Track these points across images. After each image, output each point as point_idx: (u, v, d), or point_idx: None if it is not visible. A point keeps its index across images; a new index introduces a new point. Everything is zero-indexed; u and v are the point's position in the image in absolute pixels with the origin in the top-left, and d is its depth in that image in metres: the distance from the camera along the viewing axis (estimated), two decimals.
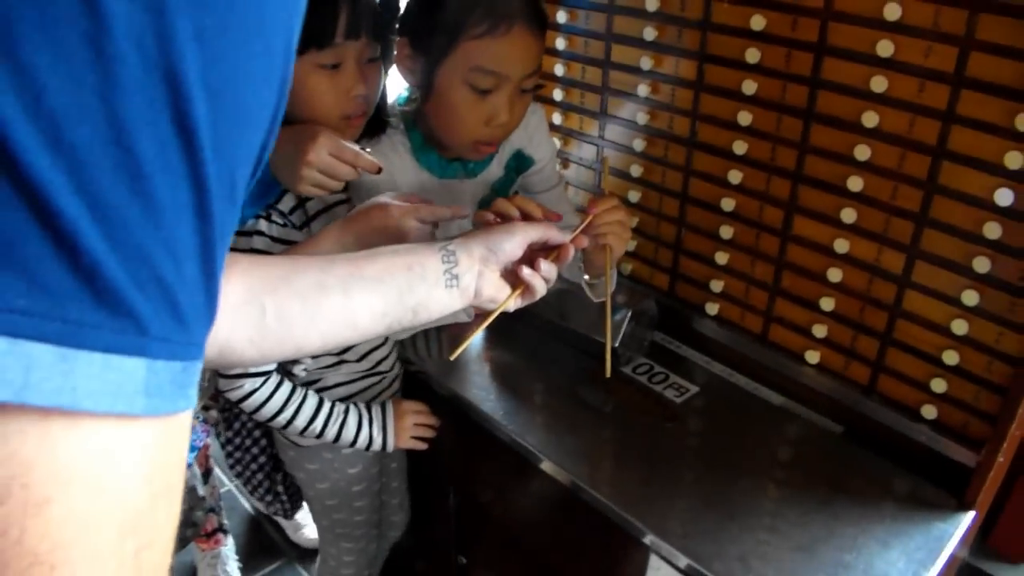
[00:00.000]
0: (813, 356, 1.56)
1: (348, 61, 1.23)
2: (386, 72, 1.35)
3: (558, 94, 1.84)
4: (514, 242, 1.07)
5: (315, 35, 1.17)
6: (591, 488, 1.37)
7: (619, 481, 1.40)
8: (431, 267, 0.99)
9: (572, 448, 1.46)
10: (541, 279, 1.07)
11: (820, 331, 1.53)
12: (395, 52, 1.36)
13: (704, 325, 1.72)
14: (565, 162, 1.90)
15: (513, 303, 1.08)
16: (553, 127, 1.88)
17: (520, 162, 1.59)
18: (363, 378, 1.57)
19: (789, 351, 1.60)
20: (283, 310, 0.88)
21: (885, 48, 1.28)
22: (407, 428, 1.59)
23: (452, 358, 1.22)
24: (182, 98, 0.33)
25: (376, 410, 1.56)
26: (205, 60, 0.33)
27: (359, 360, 1.54)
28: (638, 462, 1.44)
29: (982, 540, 2.35)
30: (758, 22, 1.42)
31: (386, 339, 1.59)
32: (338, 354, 1.51)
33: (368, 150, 1.22)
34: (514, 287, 1.07)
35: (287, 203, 1.33)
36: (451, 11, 1.27)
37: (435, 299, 0.99)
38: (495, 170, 1.58)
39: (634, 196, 1.76)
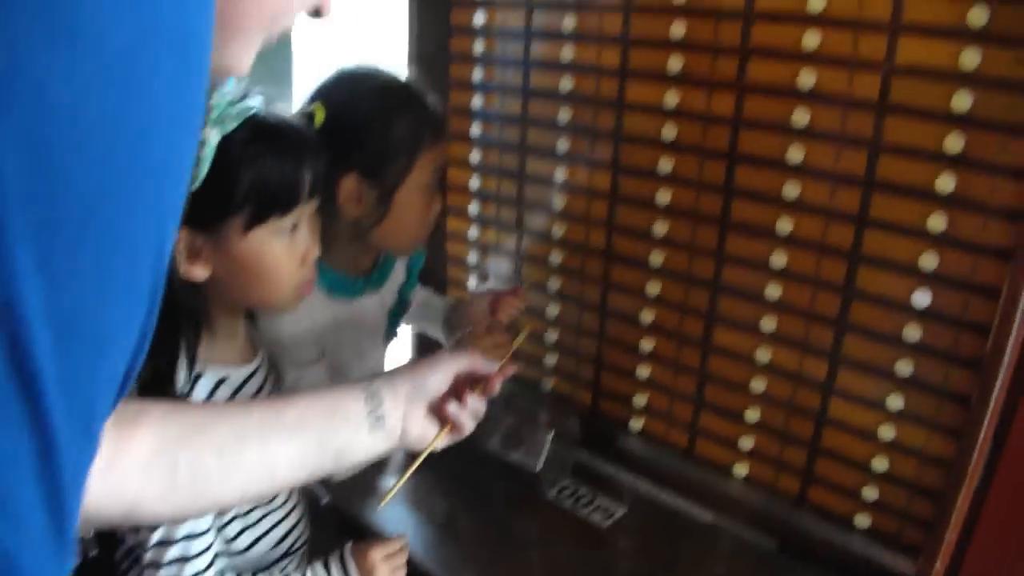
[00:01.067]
0: (741, 469, 1.52)
1: (303, 221, 1.16)
2: None
3: (474, 208, 1.82)
4: (439, 377, 1.03)
5: (281, 200, 1.10)
6: None
7: None
8: (354, 410, 0.94)
9: None
10: (469, 414, 1.03)
11: (747, 443, 1.50)
12: (340, 191, 1.37)
13: (629, 442, 1.68)
14: (485, 275, 1.86)
15: (442, 442, 1.03)
16: (469, 241, 1.85)
17: (415, 261, 1.63)
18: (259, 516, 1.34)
19: (717, 465, 1.56)
20: (198, 464, 0.82)
21: (796, 155, 1.29)
22: None
23: (381, 506, 1.14)
24: (20, 336, 0.29)
25: (336, 568, 1.26)
26: (50, 290, 0.30)
27: None
28: None
29: None
30: (669, 131, 1.43)
31: None
32: None
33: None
34: (442, 424, 1.03)
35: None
36: (408, 133, 1.36)
37: (359, 443, 0.95)
38: (400, 274, 1.61)
39: (553, 311, 1.73)
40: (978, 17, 1.10)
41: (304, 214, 1.15)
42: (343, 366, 1.52)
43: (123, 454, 0.76)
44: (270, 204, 1.08)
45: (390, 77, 1.43)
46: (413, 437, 1.00)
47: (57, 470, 0.32)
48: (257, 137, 1.06)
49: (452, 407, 1.01)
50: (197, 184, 0.96)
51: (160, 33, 0.34)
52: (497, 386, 1.08)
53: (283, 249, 1.13)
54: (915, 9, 1.16)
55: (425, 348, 1.98)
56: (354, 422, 0.94)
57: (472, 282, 1.87)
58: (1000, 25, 1.09)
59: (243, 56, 0.62)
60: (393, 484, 1.07)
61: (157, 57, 0.34)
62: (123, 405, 0.46)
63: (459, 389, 1.05)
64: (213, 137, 0.97)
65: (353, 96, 1.39)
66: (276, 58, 2.37)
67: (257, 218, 1.08)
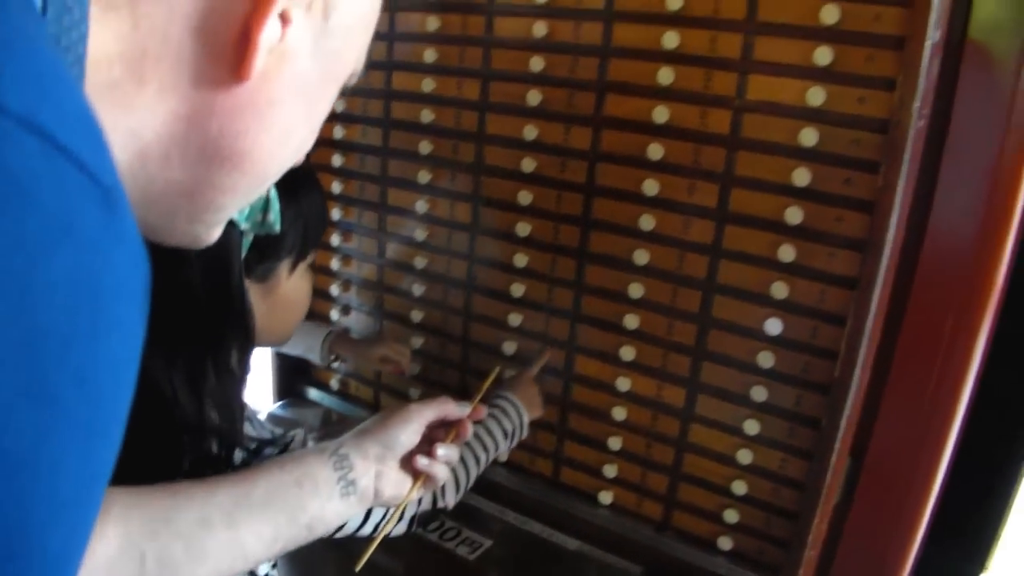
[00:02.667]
0: (606, 496, 1.53)
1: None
2: None
3: (335, 239, 1.78)
4: (409, 431, 1.00)
5: (315, 240, 1.10)
6: None
7: None
8: (323, 478, 0.91)
9: None
10: (442, 465, 1.01)
11: (611, 471, 1.51)
12: None
13: (495, 472, 1.67)
14: (346, 308, 1.83)
15: (416, 494, 1.01)
16: (331, 272, 1.83)
17: None
18: None
19: (582, 493, 1.57)
20: (165, 555, 0.78)
21: (651, 187, 1.32)
22: None
23: (358, 568, 1.10)
24: None
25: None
26: None
27: None
28: None
29: None
30: (529, 164, 1.44)
31: None
32: None
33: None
34: (415, 478, 1.00)
35: None
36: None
37: (331, 511, 0.92)
38: None
39: (416, 343, 1.71)
40: (823, 57, 1.14)
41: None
42: None
43: (88, 554, 0.72)
44: (314, 240, 1.06)
45: None
46: (387, 496, 0.98)
47: None
48: (295, 179, 1.01)
49: (423, 462, 0.99)
50: (275, 229, 0.96)
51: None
52: (469, 430, 1.06)
53: (307, 282, 1.14)
54: (764, 48, 1.20)
55: (286, 370, 1.94)
56: (324, 491, 0.91)
57: (335, 314, 1.84)
58: (843, 65, 1.14)
59: (215, 229, 0.62)
60: (368, 542, 1.04)
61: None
62: None
63: (431, 437, 1.03)
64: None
65: None
66: None
67: (302, 256, 1.06)
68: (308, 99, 0.59)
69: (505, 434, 1.40)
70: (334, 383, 1.92)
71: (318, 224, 1.09)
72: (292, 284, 1.06)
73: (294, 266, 1.06)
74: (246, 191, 0.60)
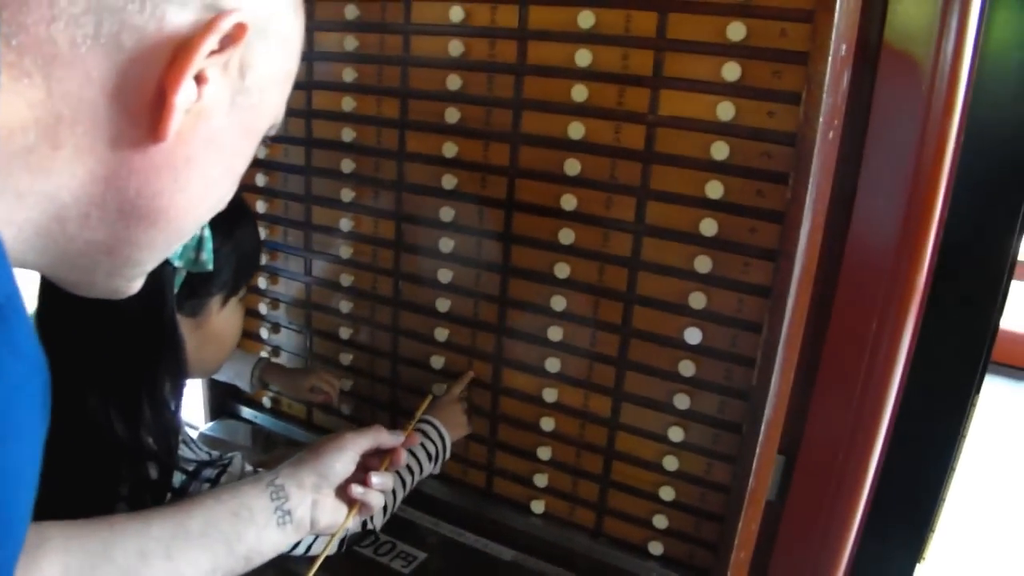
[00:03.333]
0: (539, 506, 1.55)
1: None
2: None
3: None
4: (345, 460, 1.02)
5: (247, 276, 1.11)
6: None
7: None
8: (259, 508, 0.92)
9: None
10: (376, 493, 1.03)
11: (542, 480, 1.52)
12: None
13: (428, 485, 1.67)
14: (276, 327, 1.82)
15: (353, 522, 1.04)
16: (259, 292, 1.82)
17: None
18: None
19: (515, 503, 1.58)
20: None
21: (569, 202, 1.33)
22: None
23: None
24: None
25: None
26: None
27: None
28: None
29: None
30: (447, 214, 1.46)
31: None
32: None
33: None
34: (350, 506, 1.02)
35: None
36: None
37: (267, 541, 0.93)
38: None
39: (345, 359, 1.71)
40: (731, 72, 1.16)
41: None
42: None
43: None
44: (246, 276, 1.06)
45: None
46: (323, 524, 1.00)
47: None
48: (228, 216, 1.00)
49: (358, 490, 1.01)
50: (208, 267, 0.97)
51: None
52: (403, 458, 1.09)
53: (240, 314, 1.14)
54: (674, 65, 1.22)
55: (218, 389, 1.93)
56: (261, 520, 0.92)
57: (264, 332, 1.83)
58: (752, 80, 1.17)
59: (136, 282, 0.63)
60: (309, 568, 1.04)
61: None
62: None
63: (366, 465, 1.05)
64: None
65: None
66: None
67: (234, 291, 1.06)
68: (226, 155, 0.59)
69: (429, 457, 1.41)
70: (266, 401, 1.90)
71: (251, 261, 1.10)
72: (223, 318, 1.06)
73: (225, 301, 1.06)
74: (164, 246, 0.60)
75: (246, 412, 1.93)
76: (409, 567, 1.52)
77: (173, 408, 1.00)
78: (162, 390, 0.97)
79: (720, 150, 1.20)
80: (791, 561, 2.30)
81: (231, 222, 1.01)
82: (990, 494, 3.59)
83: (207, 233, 0.94)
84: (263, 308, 1.81)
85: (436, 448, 1.41)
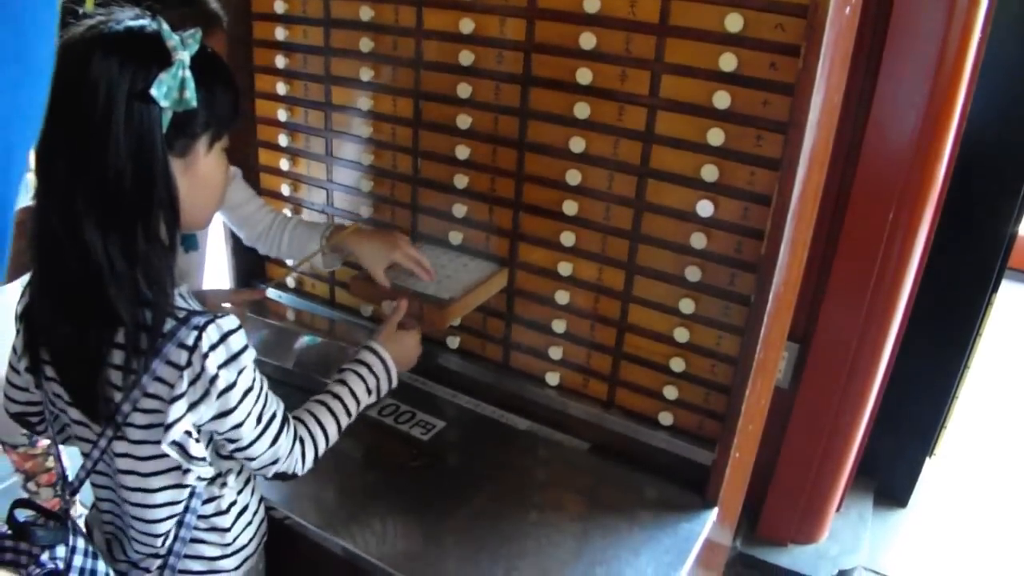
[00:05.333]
0: (553, 378, 1.59)
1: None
2: None
3: (283, 139, 1.80)
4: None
5: (227, 119, 1.09)
6: (362, 552, 1.32)
7: (366, 529, 1.36)
8: None
9: (316, 503, 1.41)
10: None
11: (556, 353, 1.56)
12: None
13: (447, 359, 1.73)
14: (297, 207, 1.85)
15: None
16: (281, 172, 1.85)
17: None
18: None
19: (530, 375, 1.63)
20: None
21: (584, 75, 1.34)
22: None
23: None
24: None
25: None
26: None
27: None
28: (387, 505, 1.41)
29: (751, 529, 2.49)
30: (464, 90, 1.45)
31: None
32: None
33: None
34: None
35: None
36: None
37: None
38: None
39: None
40: (734, 23, 1.17)
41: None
42: None
43: None
44: (227, 118, 1.07)
45: None
46: None
47: None
48: (205, 63, 1.03)
49: None
50: (192, 104, 0.98)
51: None
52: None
53: (222, 168, 1.13)
54: (681, 16, 1.24)
55: (242, 273, 1.97)
56: None
57: (287, 212, 1.86)
58: (755, 30, 1.18)
59: None
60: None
61: None
62: None
63: None
64: (186, 57, 0.97)
65: None
66: None
67: (218, 135, 1.08)
68: None
69: (369, 391, 1.35)
70: (290, 281, 1.95)
71: (231, 102, 1.10)
72: (210, 163, 1.08)
73: (211, 144, 1.08)
74: None
75: (271, 293, 1.98)
76: (428, 434, 1.58)
77: (168, 250, 1.03)
78: (157, 227, 1.00)
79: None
80: (802, 448, 2.35)
81: (208, 68, 1.04)
82: (1003, 394, 3.61)
83: (188, 74, 0.96)
84: (285, 189, 1.84)
85: (377, 381, 1.35)
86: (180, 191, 1.03)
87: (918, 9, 1.68)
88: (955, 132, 1.96)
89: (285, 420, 1.16)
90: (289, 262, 1.77)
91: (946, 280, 2.42)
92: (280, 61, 1.72)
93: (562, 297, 1.51)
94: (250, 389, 1.06)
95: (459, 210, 1.57)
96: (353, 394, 1.31)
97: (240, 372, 1.04)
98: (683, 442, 1.48)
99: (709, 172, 1.28)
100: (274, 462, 1.16)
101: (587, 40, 1.32)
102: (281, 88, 1.75)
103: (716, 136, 1.26)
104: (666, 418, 1.49)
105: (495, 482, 1.47)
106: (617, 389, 1.53)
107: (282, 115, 1.77)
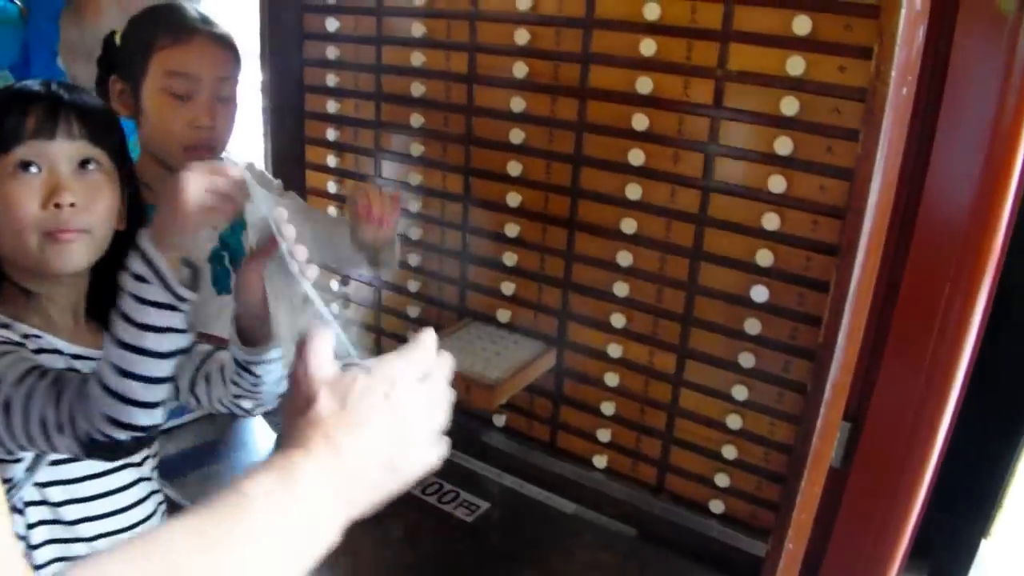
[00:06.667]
0: (601, 460, 1.56)
1: (49, 162, 1.09)
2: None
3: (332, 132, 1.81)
4: None
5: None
6: None
7: None
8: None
9: None
10: None
11: (604, 435, 1.53)
12: (110, 92, 1.49)
13: (492, 437, 1.70)
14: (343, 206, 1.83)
15: None
16: (329, 169, 1.84)
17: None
18: None
19: (577, 457, 1.60)
20: None
21: (636, 156, 1.33)
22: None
23: None
24: None
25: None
26: None
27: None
28: None
29: None
30: (515, 168, 1.49)
31: None
32: None
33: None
34: None
35: None
36: (142, 34, 1.45)
37: None
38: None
39: (414, 312, 1.73)
40: (802, 26, 1.14)
41: (50, 155, 1.08)
42: None
43: None
44: None
45: (168, 3, 1.53)
46: None
47: None
48: None
49: None
50: None
51: None
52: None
53: (16, 187, 1.06)
54: (744, 18, 1.21)
55: None
56: None
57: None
58: (823, 34, 1.15)
59: None
60: None
61: None
62: None
63: None
64: None
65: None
66: None
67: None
68: None
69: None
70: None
71: None
72: None
73: None
74: None
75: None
76: (472, 516, 1.55)
77: None
78: None
79: (790, 105, 1.18)
80: (854, 529, 2.27)
81: None
82: None
83: None
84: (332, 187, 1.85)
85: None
86: None
87: (972, 75, 1.66)
88: (1011, 205, 1.92)
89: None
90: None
91: (1003, 356, 2.35)
92: (331, 160, 1.74)
93: (611, 379, 1.48)
94: None
95: (507, 288, 1.56)
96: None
97: None
98: (734, 531, 1.43)
99: (763, 256, 1.26)
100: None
101: (639, 121, 1.31)
102: (331, 160, 1.76)
103: (771, 220, 1.24)
104: (717, 506, 1.45)
105: (540, 567, 1.43)
106: (667, 474, 1.50)
107: (332, 186, 1.78)
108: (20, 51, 1.71)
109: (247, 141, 1.52)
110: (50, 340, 1.13)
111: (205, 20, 1.50)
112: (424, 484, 1.62)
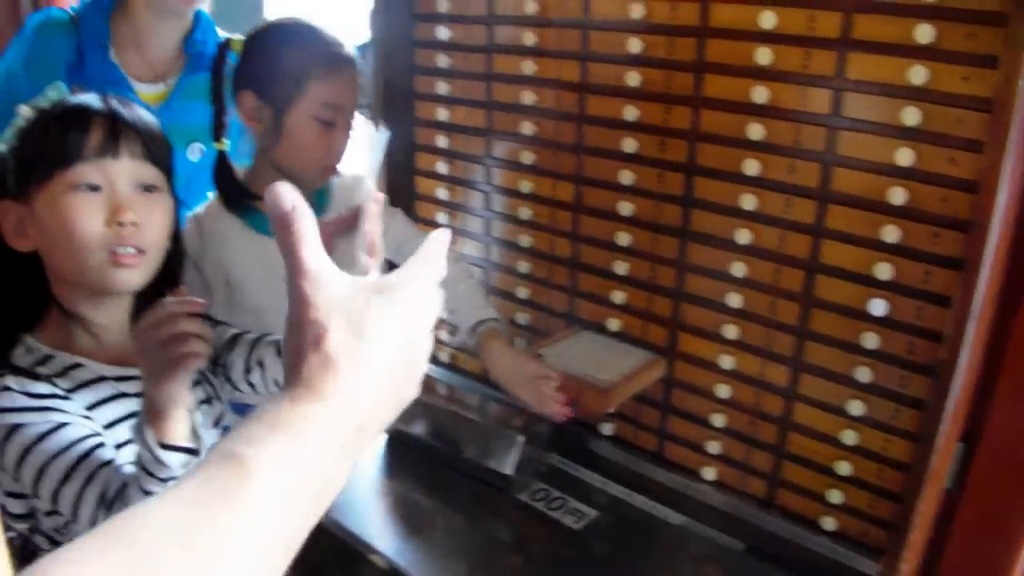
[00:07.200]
0: (710, 472, 1.54)
1: (112, 180, 1.11)
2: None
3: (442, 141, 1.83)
4: None
5: (50, 156, 1.09)
6: None
7: None
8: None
9: None
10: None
11: (714, 447, 1.52)
12: (240, 105, 1.53)
13: (599, 446, 1.70)
14: (454, 212, 1.87)
15: None
16: (439, 176, 1.87)
17: (321, 198, 1.64)
18: None
19: (685, 468, 1.59)
20: None
21: (752, 167, 1.31)
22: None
23: None
24: None
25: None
26: None
27: None
28: None
29: None
30: (630, 144, 1.46)
31: None
32: None
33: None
34: None
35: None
36: (296, 62, 1.49)
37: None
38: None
39: (523, 318, 1.74)
40: (924, 35, 1.11)
41: (113, 175, 1.10)
42: (261, 312, 1.55)
43: None
44: (46, 162, 1.08)
45: (302, 23, 1.55)
46: None
47: None
48: (39, 112, 1.12)
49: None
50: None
51: None
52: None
53: (79, 204, 1.07)
54: (863, 27, 1.18)
55: None
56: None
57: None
58: (945, 42, 1.12)
59: None
60: None
61: None
62: None
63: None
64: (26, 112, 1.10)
65: (263, 30, 1.56)
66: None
67: (46, 175, 1.08)
68: None
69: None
70: (444, 356, 1.97)
71: (42, 149, 1.10)
72: (49, 207, 1.09)
73: (42, 187, 1.09)
74: None
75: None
76: (580, 523, 1.55)
77: None
78: None
79: (911, 116, 1.15)
80: (968, 553, 2.19)
81: (39, 115, 1.14)
82: None
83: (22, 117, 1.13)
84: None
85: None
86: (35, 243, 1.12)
87: None
88: None
89: None
90: None
91: None
92: (442, 167, 1.77)
93: (722, 390, 1.47)
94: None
95: (618, 296, 1.56)
96: None
97: None
98: (846, 549, 1.40)
99: (882, 269, 1.23)
100: None
101: (755, 131, 1.30)
102: (441, 167, 1.79)
103: (890, 233, 1.21)
104: (828, 523, 1.42)
105: None
106: (777, 489, 1.47)
107: (441, 193, 1.81)
108: (75, 52, 1.81)
109: (353, 150, 1.56)
110: (94, 368, 1.15)
111: (344, 45, 1.55)
112: (532, 490, 1.63)
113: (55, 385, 1.10)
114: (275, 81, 1.50)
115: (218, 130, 1.56)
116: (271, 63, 1.51)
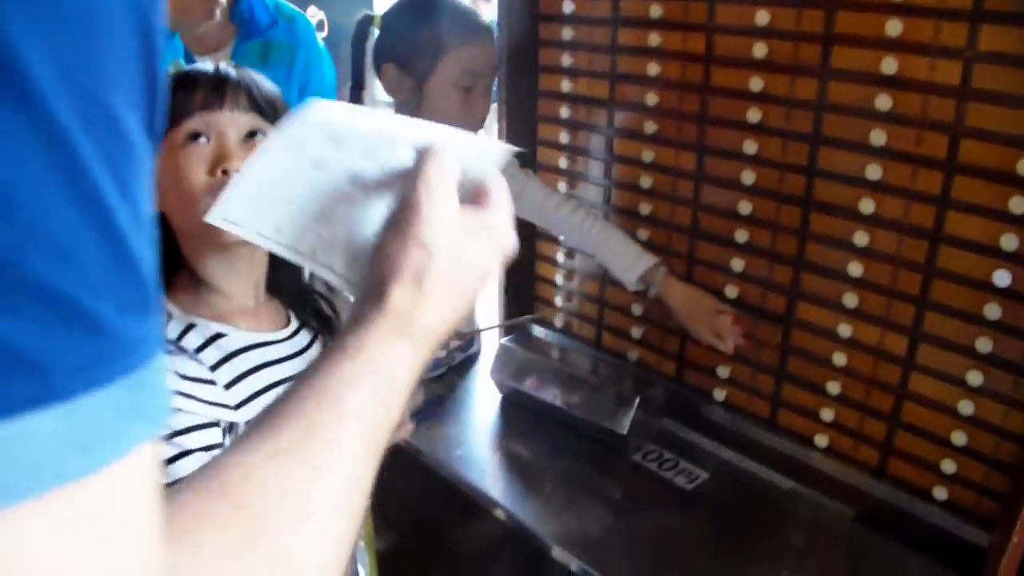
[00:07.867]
0: (822, 440, 1.57)
1: (218, 131, 1.12)
2: None
3: (564, 111, 1.88)
4: None
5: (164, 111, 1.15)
6: None
7: (631, 570, 1.40)
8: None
9: (582, 537, 1.46)
10: None
11: (828, 415, 1.54)
12: (382, 77, 1.65)
13: (712, 411, 1.74)
14: (574, 181, 1.92)
15: None
16: (561, 146, 1.92)
17: None
18: None
19: (797, 435, 1.61)
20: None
21: (878, 137, 1.33)
22: None
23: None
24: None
25: None
26: None
27: None
28: (650, 551, 1.44)
29: None
30: (754, 115, 1.48)
31: None
32: None
33: None
34: None
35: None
36: (434, 32, 1.60)
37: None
38: None
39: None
40: None
41: (217, 125, 1.11)
42: None
43: None
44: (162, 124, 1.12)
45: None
46: None
47: (88, 182, 0.27)
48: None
49: None
50: None
51: None
52: None
53: (185, 155, 1.09)
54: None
55: (513, 308, 2.06)
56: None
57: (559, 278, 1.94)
58: None
59: None
60: None
61: None
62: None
63: None
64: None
65: (401, 5, 1.69)
66: None
67: (162, 136, 1.11)
68: None
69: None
70: (558, 320, 2.03)
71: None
72: (162, 160, 1.08)
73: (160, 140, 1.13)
74: None
75: (536, 330, 2.06)
76: (691, 484, 1.60)
77: None
78: None
79: None
80: None
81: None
82: None
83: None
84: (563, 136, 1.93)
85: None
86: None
87: None
88: None
89: None
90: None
91: None
92: (564, 137, 1.81)
93: (839, 359, 1.49)
94: None
95: (737, 263, 1.59)
96: None
97: None
98: (956, 519, 1.41)
99: (1008, 240, 1.24)
100: None
101: (883, 102, 1.31)
102: (563, 137, 1.83)
103: (1019, 204, 1.21)
104: (940, 492, 1.43)
105: (754, 541, 1.47)
106: (890, 458, 1.49)
107: (563, 162, 1.86)
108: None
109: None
110: (238, 337, 1.15)
111: (479, 14, 1.69)
112: (645, 451, 1.68)
113: (200, 363, 1.10)
114: (415, 52, 1.61)
115: (356, 103, 1.64)
116: (410, 35, 1.62)
